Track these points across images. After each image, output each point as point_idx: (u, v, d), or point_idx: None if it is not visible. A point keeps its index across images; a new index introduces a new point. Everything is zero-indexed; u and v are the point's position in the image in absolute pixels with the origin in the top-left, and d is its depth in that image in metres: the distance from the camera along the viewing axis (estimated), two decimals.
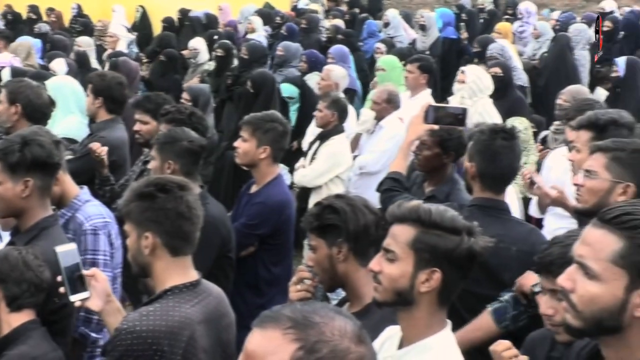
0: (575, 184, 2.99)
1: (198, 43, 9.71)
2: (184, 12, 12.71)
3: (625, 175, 2.83)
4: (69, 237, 3.17)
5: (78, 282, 2.62)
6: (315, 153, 6.02)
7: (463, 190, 3.90)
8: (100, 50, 10.25)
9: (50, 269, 2.75)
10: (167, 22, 12.34)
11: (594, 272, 1.76)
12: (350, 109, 6.58)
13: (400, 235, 2.19)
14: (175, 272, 2.56)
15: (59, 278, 2.62)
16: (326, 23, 12.22)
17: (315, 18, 11.81)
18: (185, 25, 12.36)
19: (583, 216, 3.00)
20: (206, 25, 11.90)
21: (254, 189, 4.29)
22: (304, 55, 8.71)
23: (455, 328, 2.28)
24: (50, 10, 13.23)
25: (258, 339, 1.46)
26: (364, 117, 6.62)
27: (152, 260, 2.56)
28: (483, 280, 3.03)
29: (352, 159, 6.20)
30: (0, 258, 2.77)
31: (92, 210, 3.35)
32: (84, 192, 3.42)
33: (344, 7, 15.34)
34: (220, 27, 12.06)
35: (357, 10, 14.46)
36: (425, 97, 6.55)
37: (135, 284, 3.91)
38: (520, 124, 5.57)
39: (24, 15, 13.14)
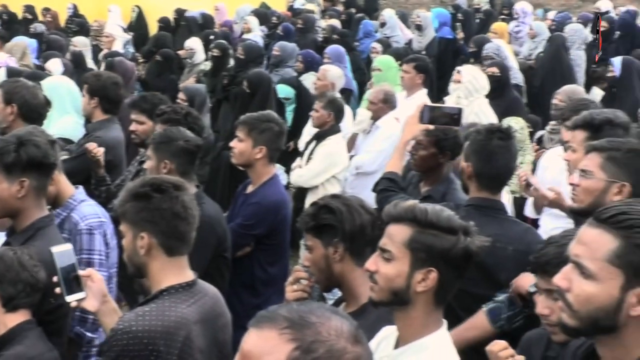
0: (571, 184, 3.00)
1: (194, 43, 9.70)
2: (180, 12, 12.70)
3: (620, 174, 2.84)
4: (64, 236, 3.17)
5: (74, 283, 2.62)
6: (311, 153, 6.02)
7: (459, 190, 3.90)
8: (96, 50, 10.24)
9: (46, 269, 2.74)
10: (163, 22, 12.34)
11: (589, 271, 1.76)
12: (347, 109, 6.58)
13: (396, 235, 2.20)
14: (171, 272, 2.56)
15: (55, 278, 2.61)
16: (322, 23, 12.22)
17: (311, 18, 11.81)
18: (181, 25, 12.35)
19: (579, 216, 3.01)
20: (202, 25, 11.89)
21: (250, 189, 4.29)
22: (300, 55, 8.71)
23: (451, 328, 2.28)
24: (46, 10, 13.21)
25: (254, 339, 1.46)
26: (360, 117, 6.63)
27: (147, 260, 2.56)
28: (479, 280, 3.04)
29: (349, 159, 6.20)
30: None
31: (87, 210, 3.34)
32: (80, 192, 3.41)
33: (340, 7, 15.35)
34: (216, 27, 12.05)
35: (353, 10, 14.48)
36: (421, 97, 6.55)
37: (131, 284, 3.91)
38: (516, 123, 5.58)
39: (20, 15, 13.11)
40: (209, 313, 2.60)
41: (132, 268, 2.63)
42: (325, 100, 6.01)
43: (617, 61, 7.71)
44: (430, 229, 2.17)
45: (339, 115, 6.04)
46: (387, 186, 3.76)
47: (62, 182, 3.34)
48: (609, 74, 7.70)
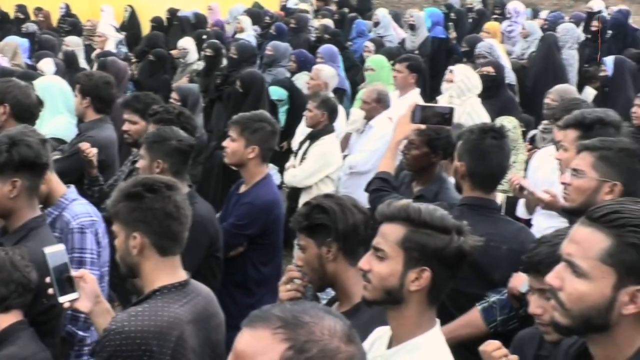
0: (563, 183, 3.01)
1: (187, 43, 9.69)
2: (172, 12, 12.68)
3: (612, 174, 2.84)
4: (56, 235, 3.16)
5: (67, 283, 2.61)
6: (305, 153, 6.02)
7: (451, 189, 3.91)
8: (89, 50, 10.22)
9: (39, 270, 2.73)
10: (156, 22, 12.32)
11: (582, 270, 1.77)
12: (340, 109, 6.59)
13: (389, 234, 2.20)
14: (164, 272, 2.56)
15: (48, 279, 2.60)
16: (315, 23, 12.22)
17: (304, 18, 11.81)
18: (173, 25, 12.34)
19: (571, 215, 3.02)
20: (195, 25, 11.88)
21: (242, 188, 4.28)
22: (293, 55, 8.71)
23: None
24: (38, 9, 13.17)
25: (247, 339, 1.46)
26: (353, 117, 6.62)
27: (140, 260, 2.55)
28: (473, 279, 3.04)
29: (342, 158, 6.20)
30: None
31: (79, 209, 3.34)
32: (71, 191, 3.41)
33: (333, 7, 15.34)
34: (209, 26, 12.04)
35: (346, 9, 14.47)
36: (414, 96, 6.55)
37: (124, 284, 3.90)
38: (509, 122, 5.59)
39: (12, 14, 13.07)
40: (202, 313, 2.60)
41: (125, 268, 2.62)
42: (319, 100, 6.01)
43: (609, 61, 7.73)
44: (423, 228, 2.17)
45: (332, 115, 6.04)
46: (380, 186, 3.77)
47: (53, 181, 3.33)
48: (602, 74, 7.72)
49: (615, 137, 3.10)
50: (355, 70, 9.35)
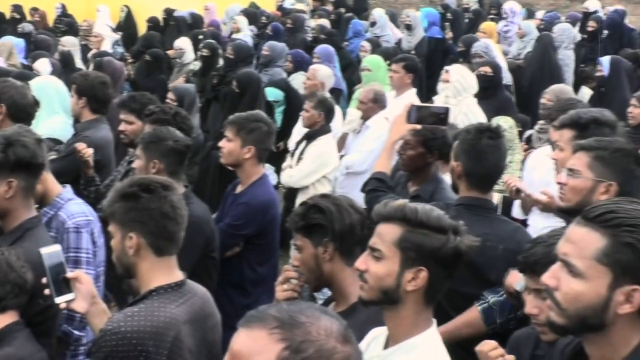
0: (559, 183, 3.01)
1: (183, 43, 9.68)
2: (168, 12, 12.67)
3: (607, 174, 2.85)
4: (51, 235, 3.16)
5: (63, 284, 2.61)
6: (302, 153, 6.01)
7: (447, 189, 3.91)
8: (85, 50, 10.21)
9: (34, 270, 2.73)
10: (152, 22, 12.30)
11: (578, 269, 1.77)
12: (336, 109, 6.59)
13: (386, 234, 2.20)
14: (160, 272, 2.56)
15: (44, 280, 2.60)
16: (312, 23, 12.21)
17: (300, 18, 11.81)
18: (170, 25, 12.33)
19: (566, 214, 3.02)
20: (191, 25, 11.87)
21: (239, 189, 4.28)
22: (289, 55, 8.70)
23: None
24: (34, 9, 13.14)
25: (244, 339, 1.46)
26: (350, 117, 6.62)
27: (136, 260, 2.55)
28: (469, 279, 3.05)
29: (339, 158, 6.20)
30: None
31: (74, 209, 3.33)
32: (67, 191, 3.40)
33: (329, 7, 15.34)
34: (205, 27, 12.03)
35: (342, 10, 14.47)
36: (411, 96, 6.56)
37: (120, 285, 3.90)
38: (505, 122, 5.60)
39: (8, 15, 13.04)
40: (198, 313, 2.60)
41: (121, 268, 2.62)
42: (316, 100, 6.01)
43: (605, 60, 7.74)
44: (420, 228, 2.17)
45: (329, 115, 6.04)
46: (376, 186, 3.77)
47: (49, 180, 3.32)
48: (598, 74, 7.74)
49: (611, 137, 3.11)
50: (351, 69, 9.35)
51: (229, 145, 4.17)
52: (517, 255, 2.62)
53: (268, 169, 5.40)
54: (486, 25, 10.75)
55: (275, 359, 1.42)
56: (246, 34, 11.17)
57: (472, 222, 2.56)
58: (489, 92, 6.81)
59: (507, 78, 8.59)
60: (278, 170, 6.36)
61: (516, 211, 4.60)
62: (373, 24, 11.55)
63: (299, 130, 6.54)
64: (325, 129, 6.01)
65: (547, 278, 1.82)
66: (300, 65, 8.39)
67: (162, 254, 2.56)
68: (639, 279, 1.73)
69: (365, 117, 6.27)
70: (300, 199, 5.70)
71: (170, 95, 6.32)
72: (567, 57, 9.63)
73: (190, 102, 6.28)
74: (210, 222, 4.03)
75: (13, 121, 4.23)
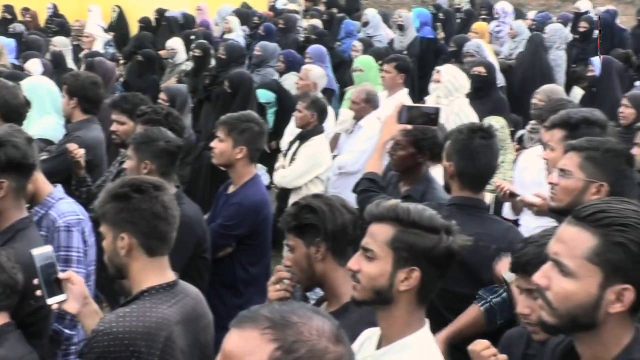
0: (550, 183, 3.02)
1: (175, 43, 9.67)
2: (160, 12, 12.65)
3: (598, 174, 2.86)
4: (42, 234, 3.15)
5: (54, 285, 2.60)
6: (294, 153, 6.01)
7: (438, 189, 3.92)
8: (77, 50, 10.18)
9: (26, 271, 2.72)
10: (144, 22, 12.27)
11: (568, 269, 1.77)
12: (329, 109, 6.58)
13: (378, 234, 2.20)
14: (152, 272, 2.55)
15: (36, 281, 2.59)
16: (304, 23, 12.21)
17: (292, 18, 11.80)
18: (162, 25, 12.30)
19: (558, 214, 3.03)
20: (183, 25, 11.85)
21: (231, 189, 4.28)
22: (281, 55, 8.70)
23: (434, 327, 2.28)
24: (25, 10, 13.10)
25: (236, 339, 1.46)
26: (342, 117, 6.62)
27: (128, 261, 2.55)
28: (462, 278, 3.05)
29: (332, 159, 6.20)
30: None
31: (65, 208, 3.33)
32: (58, 190, 3.39)
33: (321, 7, 15.34)
34: (196, 27, 12.01)
35: (334, 10, 14.47)
36: (403, 96, 6.56)
37: (111, 285, 3.89)
38: (497, 122, 5.61)
39: None
40: (191, 314, 2.60)
41: (113, 269, 2.62)
42: (309, 100, 6.01)
43: (596, 61, 7.76)
44: (412, 228, 2.17)
45: (322, 115, 6.04)
46: (368, 186, 3.77)
47: (39, 180, 3.31)
48: (589, 74, 7.76)
49: (602, 137, 3.11)
50: (343, 67, 9.35)
51: (220, 146, 4.16)
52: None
53: (260, 169, 5.40)
54: (478, 25, 10.77)
55: (267, 359, 1.42)
56: (238, 34, 11.16)
57: (465, 222, 2.56)
58: (482, 93, 6.82)
59: (500, 79, 8.62)
60: (270, 171, 6.36)
61: (506, 212, 4.61)
62: (366, 24, 11.56)
63: (291, 130, 6.53)
64: (318, 130, 6.01)
65: (538, 278, 1.82)
66: (293, 65, 8.39)
67: (154, 255, 2.55)
68: (629, 278, 1.74)
69: (357, 117, 6.27)
70: (293, 199, 5.70)
71: (162, 95, 6.31)
72: (559, 58, 9.65)
73: (182, 103, 6.27)
74: (202, 222, 4.03)
75: (4, 121, 4.21)
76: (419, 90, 8.68)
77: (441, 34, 11.27)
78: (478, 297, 3.16)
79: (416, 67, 9.31)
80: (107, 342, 2.38)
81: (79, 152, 4.48)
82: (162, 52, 9.93)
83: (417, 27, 11.08)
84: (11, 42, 9.29)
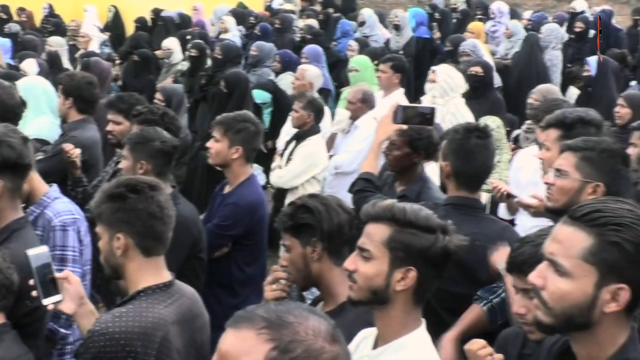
0: (547, 183, 3.02)
1: (171, 43, 9.66)
2: (156, 12, 12.64)
3: (594, 174, 2.86)
4: (37, 233, 3.15)
5: (50, 285, 2.59)
6: (291, 154, 6.01)
7: (433, 188, 3.93)
8: (73, 50, 10.17)
9: (21, 272, 2.71)
10: (140, 22, 12.26)
11: (564, 269, 1.78)
12: (325, 109, 6.59)
13: (375, 234, 2.20)
14: (148, 272, 2.55)
15: (31, 281, 2.58)
16: (300, 23, 12.21)
17: (288, 18, 11.80)
18: (158, 25, 12.29)
19: (554, 214, 3.03)
20: (179, 25, 11.84)
21: (227, 189, 4.28)
22: (277, 55, 8.70)
23: (430, 326, 2.28)
24: (21, 10, 13.09)
25: (232, 339, 1.46)
26: (339, 117, 6.62)
27: (124, 261, 2.55)
28: (459, 278, 3.05)
29: (328, 159, 6.20)
30: None
31: (61, 207, 3.32)
32: (53, 190, 3.39)
33: (317, 7, 15.34)
34: (191, 27, 12.01)
35: (331, 10, 14.47)
36: (399, 96, 6.56)
37: (108, 286, 3.88)
38: (493, 122, 5.61)
39: None
40: (187, 314, 2.60)
41: (109, 269, 2.61)
42: (305, 100, 6.00)
43: (592, 60, 7.77)
44: (408, 228, 2.17)
45: (318, 115, 6.04)
46: (364, 186, 3.78)
47: (35, 180, 3.31)
48: (585, 74, 7.77)
49: (597, 137, 3.12)
50: (339, 67, 9.34)
51: (216, 146, 4.16)
52: None
53: (256, 169, 5.39)
54: (474, 25, 10.77)
55: (264, 359, 1.42)
56: (234, 34, 11.16)
57: (461, 222, 2.56)
58: (479, 92, 6.82)
59: (496, 79, 8.62)
60: (266, 171, 6.36)
61: (502, 212, 4.61)
62: (362, 24, 11.56)
63: (287, 130, 6.53)
64: (314, 130, 6.01)
65: (534, 277, 1.83)
66: (289, 65, 8.39)
67: (150, 254, 2.55)
68: (625, 278, 1.74)
69: (354, 117, 6.27)
70: (289, 199, 5.70)
71: (158, 95, 6.30)
72: (555, 58, 9.66)
73: (178, 103, 6.27)
74: (198, 222, 4.03)
75: (0, 121, 4.21)
76: (415, 90, 8.68)
77: (437, 34, 11.28)
78: (479, 298, 3.15)
79: (412, 67, 9.31)
80: (104, 343, 2.38)
81: (75, 152, 4.48)
82: (158, 52, 9.92)
83: (413, 27, 11.09)
84: (7, 42, 9.28)
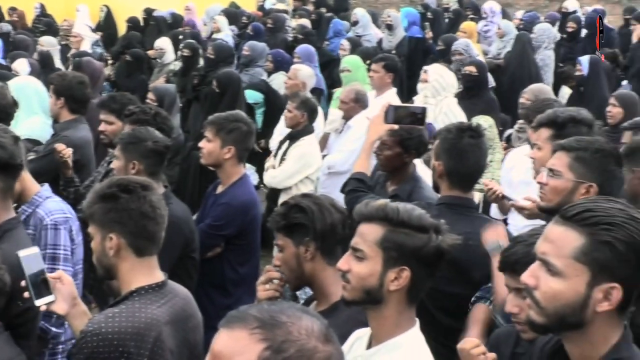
0: (540, 183, 3.02)
1: (164, 43, 9.65)
2: (148, 12, 12.62)
3: (588, 175, 2.86)
4: (29, 232, 3.14)
5: (42, 286, 2.58)
6: (284, 154, 6.01)
7: (425, 188, 3.94)
8: (66, 49, 10.15)
9: (13, 272, 2.70)
10: (132, 22, 12.24)
11: (556, 268, 1.78)
12: (318, 109, 6.58)
13: (368, 234, 2.20)
14: (141, 272, 2.55)
15: (23, 283, 2.57)
16: (292, 22, 12.20)
17: (281, 17, 11.80)
18: (150, 25, 12.27)
19: (547, 214, 3.03)
20: (171, 25, 11.83)
21: (219, 189, 4.27)
22: (270, 55, 8.70)
23: (424, 326, 2.28)
24: (13, 9, 13.04)
25: (225, 339, 1.46)
26: (332, 117, 6.62)
27: (117, 261, 2.54)
28: (452, 278, 3.05)
29: (321, 158, 6.19)
30: None
31: (52, 206, 3.32)
32: (45, 189, 3.38)
33: (310, 7, 15.34)
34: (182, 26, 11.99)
35: (323, 9, 14.47)
36: (391, 96, 6.57)
37: (100, 286, 3.87)
38: (485, 121, 5.62)
39: None
40: (180, 314, 2.59)
41: (102, 270, 2.61)
42: (299, 100, 6.00)
43: (584, 60, 7.79)
44: (401, 227, 2.17)
45: (312, 115, 6.04)
46: (356, 186, 3.78)
47: (26, 179, 3.30)
48: (577, 73, 7.79)
49: (591, 137, 3.12)
50: (332, 65, 9.33)
51: (208, 146, 4.15)
52: None
53: (249, 169, 5.39)
54: (466, 25, 10.78)
55: (256, 359, 1.41)
56: (227, 34, 11.15)
57: (454, 221, 2.57)
58: (473, 92, 6.83)
59: (490, 80, 8.63)
60: (259, 170, 6.35)
61: (494, 211, 4.62)
62: (355, 23, 11.57)
63: (280, 130, 6.53)
64: (308, 130, 6.01)
65: (526, 277, 1.83)
66: (281, 65, 8.39)
67: (143, 255, 2.55)
68: (616, 277, 1.74)
69: (347, 117, 6.27)
70: (282, 199, 5.69)
71: (150, 95, 6.29)
72: (547, 57, 9.68)
73: (171, 103, 6.26)
74: (190, 222, 4.02)
75: None
76: (407, 90, 8.68)
77: (429, 34, 11.29)
78: (481, 297, 3.14)
79: (405, 66, 9.31)
80: (97, 343, 2.37)
81: (67, 152, 4.47)
82: (150, 52, 9.90)
83: (405, 26, 11.09)
84: None
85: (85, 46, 10.35)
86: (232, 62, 8.79)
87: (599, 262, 1.74)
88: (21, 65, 7.28)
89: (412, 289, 2.18)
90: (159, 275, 2.59)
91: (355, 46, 9.66)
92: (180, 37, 10.11)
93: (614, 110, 5.76)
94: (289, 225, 2.65)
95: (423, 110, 3.72)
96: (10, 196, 3.02)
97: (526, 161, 3.93)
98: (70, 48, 10.26)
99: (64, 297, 2.60)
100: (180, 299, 2.63)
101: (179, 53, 9.04)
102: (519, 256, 2.42)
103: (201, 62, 8.73)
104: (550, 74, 9.63)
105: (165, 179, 4.10)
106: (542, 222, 3.33)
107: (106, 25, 13.25)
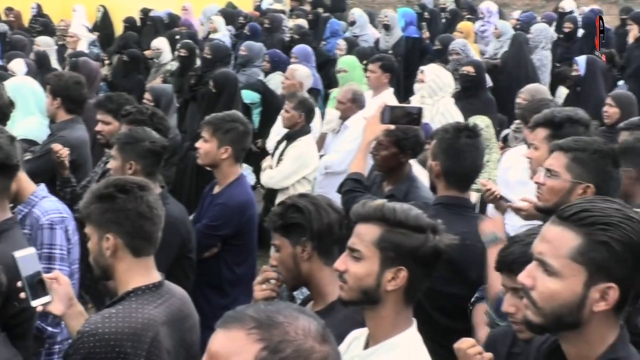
0: (537, 183, 3.02)
1: (161, 43, 9.64)
2: (145, 12, 12.61)
3: (585, 175, 2.87)
4: (25, 232, 3.14)
5: (39, 286, 2.58)
6: (282, 154, 6.00)
7: (421, 188, 3.94)
8: (62, 50, 10.14)
9: (9, 273, 2.70)
10: (129, 22, 12.23)
11: (553, 268, 1.78)
12: (315, 109, 6.58)
13: (365, 234, 2.20)
14: (138, 273, 2.54)
15: (19, 284, 2.57)
16: (289, 23, 12.20)
17: (278, 18, 11.80)
18: (147, 25, 12.26)
19: (544, 214, 3.04)
20: (168, 25, 11.82)
21: (216, 189, 4.27)
22: (267, 55, 8.70)
23: (421, 326, 2.28)
24: (9, 9, 13.02)
25: (222, 340, 1.46)
26: (329, 117, 6.62)
27: (114, 262, 2.54)
28: (449, 278, 3.05)
29: (319, 159, 6.19)
30: None
31: (48, 205, 3.31)
32: (41, 189, 3.38)
33: (307, 7, 15.34)
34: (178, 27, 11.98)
35: (320, 10, 14.48)
36: (388, 96, 6.57)
37: (97, 286, 3.87)
38: (482, 121, 5.63)
39: None
40: (177, 314, 2.59)
41: (99, 270, 2.60)
42: (296, 100, 6.00)
43: (581, 60, 7.80)
44: (398, 227, 2.18)
45: (309, 115, 6.03)
46: (352, 187, 3.78)
47: (22, 179, 3.29)
48: (574, 73, 7.80)
49: (587, 136, 3.12)
50: (329, 65, 9.33)
51: (205, 146, 4.15)
52: None
53: (246, 169, 5.39)
54: (463, 25, 10.80)
55: (253, 359, 1.41)
56: (223, 34, 11.14)
57: (451, 221, 2.57)
58: (471, 92, 6.82)
59: (487, 80, 8.64)
60: (256, 171, 6.34)
61: (491, 211, 4.62)
62: (352, 23, 11.57)
63: (277, 130, 6.52)
64: (305, 130, 6.00)
65: (523, 277, 1.83)
66: (278, 65, 8.39)
67: (140, 255, 2.55)
68: (613, 277, 1.75)
69: (344, 117, 6.27)
70: (279, 199, 5.69)
71: (147, 95, 6.28)
72: (544, 58, 9.69)
73: (168, 103, 6.25)
74: (187, 222, 4.02)
75: None
76: (404, 90, 8.68)
77: (426, 34, 11.30)
78: (481, 297, 3.14)
79: (401, 66, 9.31)
80: (93, 343, 2.37)
81: (64, 152, 4.46)
82: (147, 52, 9.89)
83: (402, 26, 11.10)
84: None
85: (82, 46, 10.33)
86: (229, 62, 8.78)
87: (595, 262, 1.74)
88: (18, 65, 7.28)
89: (410, 289, 2.19)
90: (155, 276, 2.59)
91: (352, 46, 9.66)
92: (177, 37, 10.10)
93: (610, 111, 5.77)
94: (286, 225, 2.65)
95: (419, 111, 3.73)
96: (6, 196, 3.01)
97: (523, 161, 3.93)
98: (67, 48, 10.25)
99: (60, 298, 2.59)
100: (177, 299, 2.63)
101: (176, 53, 9.04)
102: (515, 256, 2.42)
103: (198, 62, 8.72)
104: (547, 74, 9.63)
105: (162, 179, 4.10)
106: (539, 222, 3.34)
107: (103, 25, 13.23)
